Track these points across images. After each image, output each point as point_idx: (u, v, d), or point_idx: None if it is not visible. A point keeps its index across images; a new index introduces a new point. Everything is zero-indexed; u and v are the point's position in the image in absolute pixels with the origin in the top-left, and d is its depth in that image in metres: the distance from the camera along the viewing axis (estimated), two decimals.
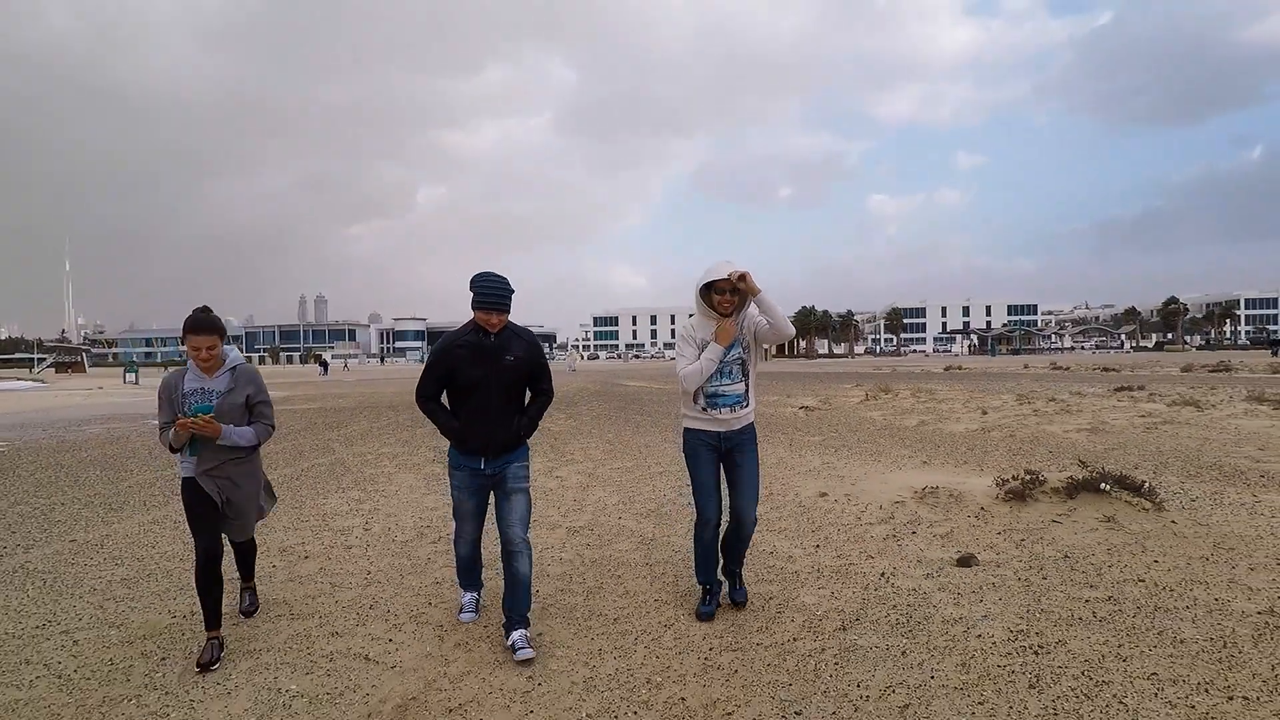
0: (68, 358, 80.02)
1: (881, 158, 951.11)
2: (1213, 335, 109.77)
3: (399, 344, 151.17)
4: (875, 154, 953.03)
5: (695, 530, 3.68)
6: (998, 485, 5.81)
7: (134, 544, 5.24)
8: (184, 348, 3.30)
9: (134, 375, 42.87)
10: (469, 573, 3.75)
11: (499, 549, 3.44)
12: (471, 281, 3.31)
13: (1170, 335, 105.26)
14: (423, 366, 3.58)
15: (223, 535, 3.46)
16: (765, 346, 3.77)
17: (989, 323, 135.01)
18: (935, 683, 2.86)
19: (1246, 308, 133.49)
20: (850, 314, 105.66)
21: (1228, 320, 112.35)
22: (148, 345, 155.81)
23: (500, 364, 3.37)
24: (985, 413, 13.07)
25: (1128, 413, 12.38)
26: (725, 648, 3.25)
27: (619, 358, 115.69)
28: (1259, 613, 3.43)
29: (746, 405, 3.59)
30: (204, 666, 3.12)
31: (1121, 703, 2.67)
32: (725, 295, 3.41)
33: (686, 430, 3.66)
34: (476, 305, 3.31)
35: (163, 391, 3.31)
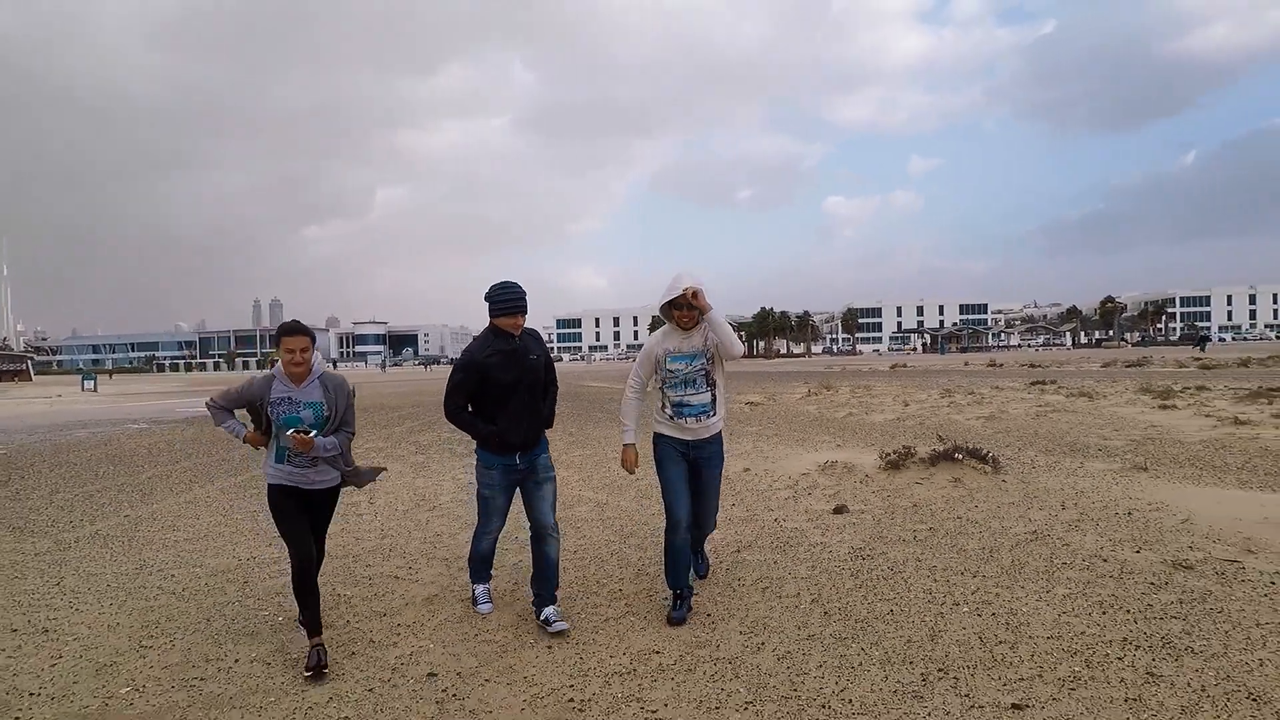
0: (12, 365, 77.75)
1: (839, 161, 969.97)
2: (1148, 332, 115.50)
3: (359, 348, 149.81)
4: (833, 157, 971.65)
5: (665, 535, 3.73)
6: (882, 458, 7.29)
7: (180, 517, 6.38)
8: (276, 353, 3.33)
9: (92, 383, 42.64)
10: (483, 567, 3.91)
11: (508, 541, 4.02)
12: (489, 293, 3.54)
13: (1109, 333, 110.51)
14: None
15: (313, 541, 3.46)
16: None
17: (942, 322, 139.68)
18: (789, 576, 4.26)
19: (1182, 305, 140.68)
20: (807, 314, 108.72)
21: (1160, 317, 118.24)
22: (95, 352, 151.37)
23: (527, 364, 3.61)
24: (908, 405, 14.71)
25: (1029, 403, 14.11)
26: (651, 563, 4.60)
27: (582, 359, 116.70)
28: (1025, 534, 4.91)
29: (713, 415, 3.69)
30: (314, 670, 3.09)
31: (904, 580, 4.09)
32: (684, 310, 3.58)
33: (656, 435, 3.78)
34: (500, 312, 3.52)
35: (247, 385, 3.37)
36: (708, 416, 3.67)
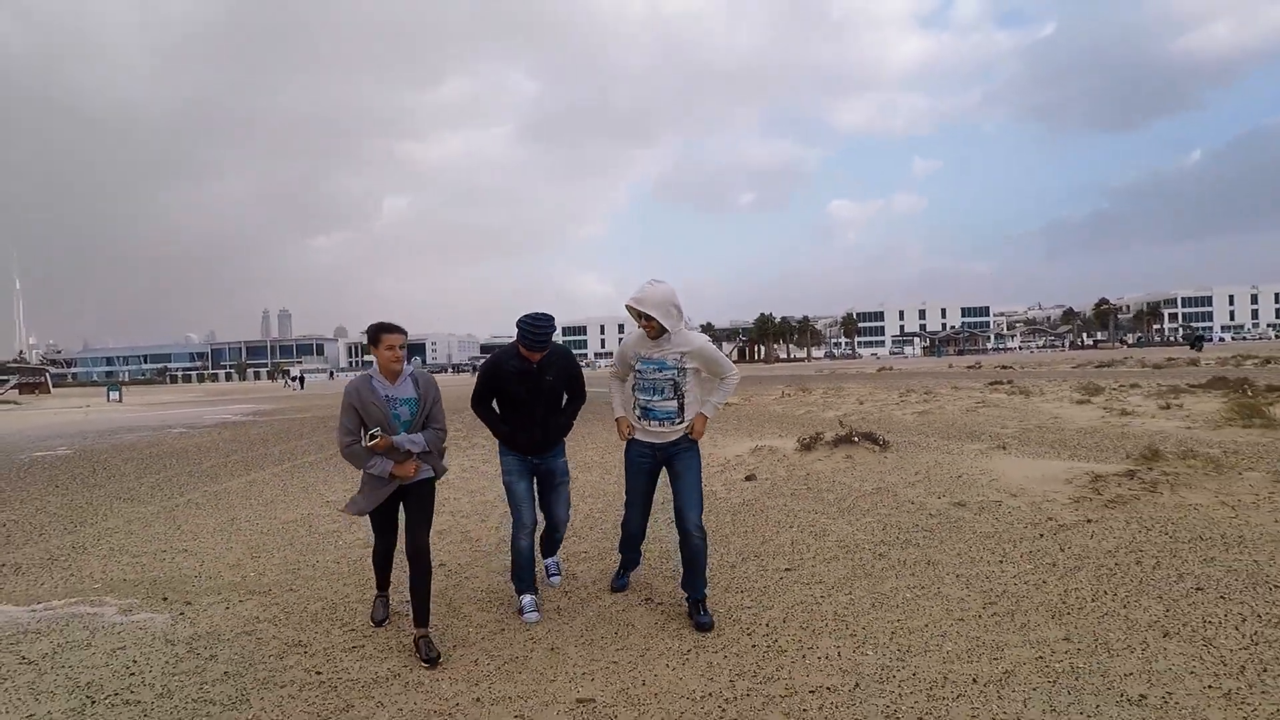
0: (31, 378, 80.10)
1: (840, 164, 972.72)
2: (1145, 334, 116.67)
3: (368, 358, 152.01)
4: (834, 161, 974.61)
5: (621, 543, 4.20)
6: (798, 442, 9.11)
7: (248, 492, 8.27)
8: (371, 354, 3.53)
9: (118, 394, 44.74)
10: (527, 574, 4.02)
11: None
12: (519, 321, 3.81)
13: (1104, 335, 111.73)
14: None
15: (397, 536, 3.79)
16: (725, 354, 4.25)
17: (944, 324, 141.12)
18: None
19: (1183, 305, 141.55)
20: (806, 319, 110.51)
21: (1155, 318, 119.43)
22: (108, 364, 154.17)
23: (541, 384, 3.92)
24: (862, 403, 16.51)
25: (970, 401, 15.86)
26: (595, 510, 6.45)
27: (588, 366, 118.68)
28: (872, 489, 6.73)
29: (680, 421, 3.76)
30: (377, 623, 3.75)
31: (766, 517, 5.92)
32: (644, 322, 3.68)
33: (629, 440, 3.92)
34: (521, 343, 3.82)
35: (353, 400, 3.45)
36: (673, 423, 3.77)
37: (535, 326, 3.78)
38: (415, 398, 3.55)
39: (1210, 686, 2.82)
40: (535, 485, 4.17)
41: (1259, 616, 3.44)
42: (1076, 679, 2.92)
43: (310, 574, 4.92)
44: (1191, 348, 51.52)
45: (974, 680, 2.96)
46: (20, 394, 67.63)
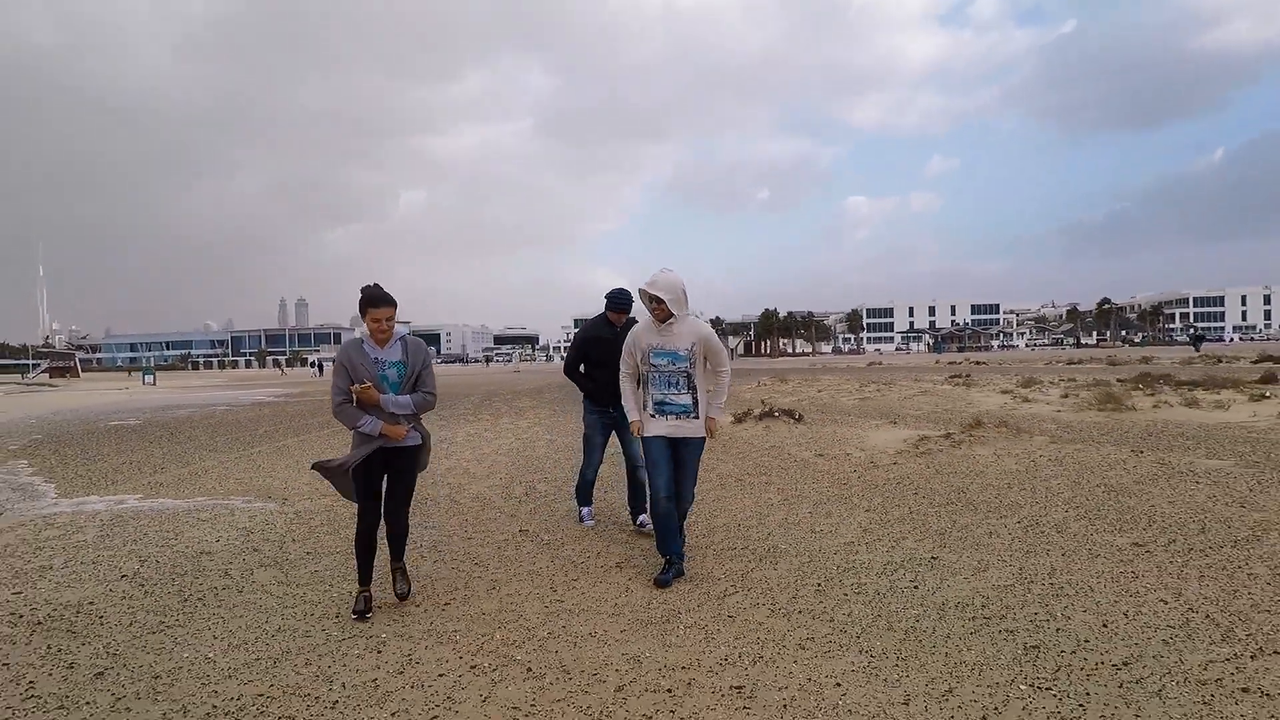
0: (61, 362, 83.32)
1: (855, 162, 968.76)
2: (1151, 333, 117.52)
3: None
4: (849, 159, 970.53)
5: (650, 506, 4.12)
6: (732, 416, 11.43)
7: (302, 447, 10.71)
8: (364, 321, 3.52)
9: (152, 378, 47.65)
10: (586, 493, 5.46)
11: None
12: (607, 294, 4.94)
13: (1107, 334, 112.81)
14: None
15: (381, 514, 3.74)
16: (732, 347, 6.54)
17: (954, 321, 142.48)
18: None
19: (1195, 306, 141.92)
20: (810, 314, 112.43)
21: (1158, 318, 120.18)
22: (132, 350, 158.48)
23: (618, 349, 4.51)
24: (820, 391, 18.76)
25: (915, 390, 18.02)
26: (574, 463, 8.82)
27: None
28: (769, 447, 9.04)
29: (694, 416, 3.91)
30: (359, 614, 3.54)
31: None
32: (654, 305, 3.87)
33: (643, 437, 4.10)
34: (610, 308, 4.91)
35: (343, 360, 3.54)
36: (689, 417, 3.92)
37: (619, 293, 5.01)
38: (402, 361, 3.61)
39: (860, 526, 5.15)
40: (616, 437, 5.27)
41: (932, 504, 5.75)
42: (797, 525, 5.25)
43: None
44: (1193, 347, 52.73)
45: (738, 525, 5.32)
46: (50, 377, 70.91)
